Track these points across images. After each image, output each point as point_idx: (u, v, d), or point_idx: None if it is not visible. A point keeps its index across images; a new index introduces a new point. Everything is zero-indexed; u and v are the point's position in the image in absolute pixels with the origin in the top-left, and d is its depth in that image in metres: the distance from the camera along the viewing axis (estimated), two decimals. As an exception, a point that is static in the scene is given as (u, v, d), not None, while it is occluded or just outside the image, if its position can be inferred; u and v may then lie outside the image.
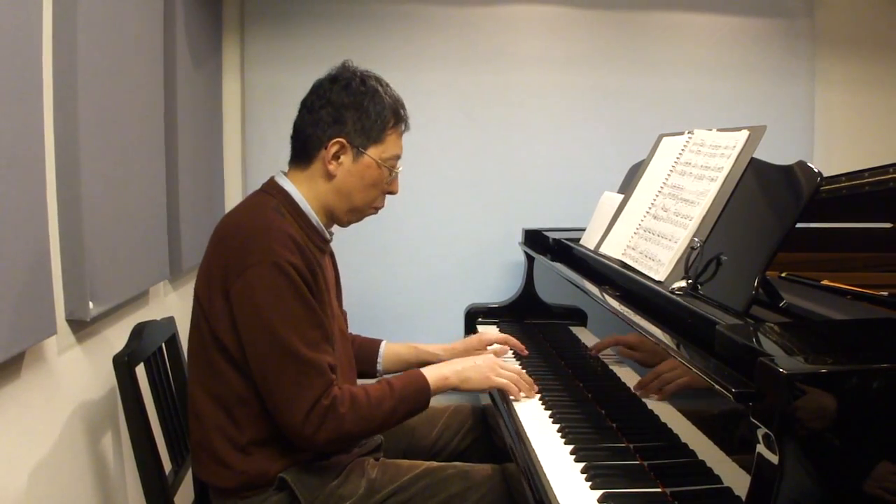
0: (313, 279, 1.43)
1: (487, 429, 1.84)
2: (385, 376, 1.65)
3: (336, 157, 1.50)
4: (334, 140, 1.49)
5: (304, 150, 1.53)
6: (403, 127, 1.58)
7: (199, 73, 2.31)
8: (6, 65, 1.16)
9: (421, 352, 1.88)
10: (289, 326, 1.37)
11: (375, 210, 1.61)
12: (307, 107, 1.54)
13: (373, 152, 1.52)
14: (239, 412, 1.43)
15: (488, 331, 2.23)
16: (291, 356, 1.37)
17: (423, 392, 1.53)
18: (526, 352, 1.99)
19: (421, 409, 1.54)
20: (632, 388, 1.45)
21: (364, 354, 1.83)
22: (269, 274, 1.36)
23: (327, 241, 1.59)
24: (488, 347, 1.95)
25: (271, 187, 1.53)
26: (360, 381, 1.60)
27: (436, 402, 1.71)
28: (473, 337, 1.98)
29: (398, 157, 1.57)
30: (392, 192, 1.60)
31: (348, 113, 1.50)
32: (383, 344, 1.86)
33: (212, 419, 1.44)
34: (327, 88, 1.52)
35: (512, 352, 2.02)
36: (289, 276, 1.37)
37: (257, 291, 1.36)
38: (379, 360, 1.84)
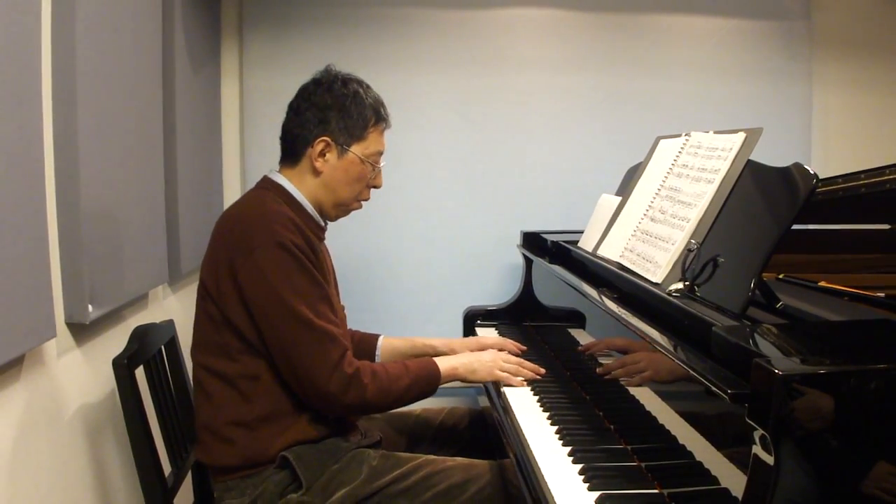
0: (315, 258, 1.52)
1: (485, 429, 1.85)
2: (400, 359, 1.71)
3: (322, 154, 1.59)
4: (320, 139, 1.58)
5: (292, 150, 1.62)
6: (385, 125, 1.66)
7: (197, 76, 2.31)
8: (5, 68, 1.16)
9: (418, 345, 1.93)
10: (298, 299, 1.46)
11: (360, 204, 1.69)
12: (293, 109, 1.63)
13: (356, 149, 1.60)
14: (249, 388, 1.49)
15: (487, 334, 2.24)
16: (304, 326, 1.45)
17: (434, 377, 1.63)
18: (523, 347, 2.00)
19: (430, 393, 1.63)
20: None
21: (362, 348, 1.88)
22: (274, 253, 1.45)
23: (322, 228, 1.66)
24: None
25: (266, 183, 1.62)
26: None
27: (433, 402, 1.72)
28: (472, 339, 2.06)
29: (381, 154, 1.66)
30: (376, 187, 1.69)
31: (332, 113, 1.58)
32: (381, 338, 1.92)
33: (220, 397, 1.50)
34: (311, 91, 1.61)
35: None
36: (293, 254, 1.46)
37: (265, 271, 1.45)
38: (377, 353, 1.89)
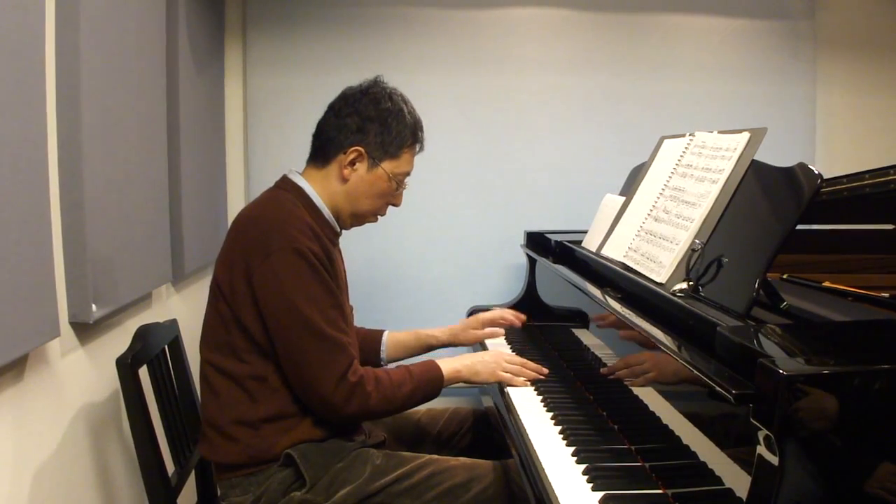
0: (330, 265, 1.52)
1: (488, 429, 1.85)
2: (403, 363, 1.70)
3: (352, 163, 1.60)
4: (354, 148, 1.58)
5: (323, 151, 1.62)
6: (419, 147, 1.68)
7: (201, 76, 2.31)
8: (9, 68, 1.16)
9: (422, 336, 1.96)
10: (311, 306, 1.46)
11: (376, 218, 1.70)
12: (334, 111, 1.62)
13: (387, 166, 1.61)
14: (255, 388, 1.50)
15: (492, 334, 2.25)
16: (315, 334, 1.45)
17: (437, 381, 1.63)
18: (523, 317, 2.06)
19: (433, 396, 1.63)
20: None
21: (367, 345, 1.89)
22: (290, 259, 1.45)
23: (338, 234, 1.67)
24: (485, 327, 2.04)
25: (285, 184, 1.62)
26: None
27: (437, 403, 1.72)
28: (470, 318, 2.07)
29: (408, 174, 1.67)
30: (395, 205, 1.70)
31: (372, 126, 1.59)
32: (385, 333, 1.94)
33: (226, 395, 1.51)
34: (357, 99, 1.61)
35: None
36: (308, 260, 1.46)
37: (280, 276, 1.45)
38: (382, 348, 1.91)
